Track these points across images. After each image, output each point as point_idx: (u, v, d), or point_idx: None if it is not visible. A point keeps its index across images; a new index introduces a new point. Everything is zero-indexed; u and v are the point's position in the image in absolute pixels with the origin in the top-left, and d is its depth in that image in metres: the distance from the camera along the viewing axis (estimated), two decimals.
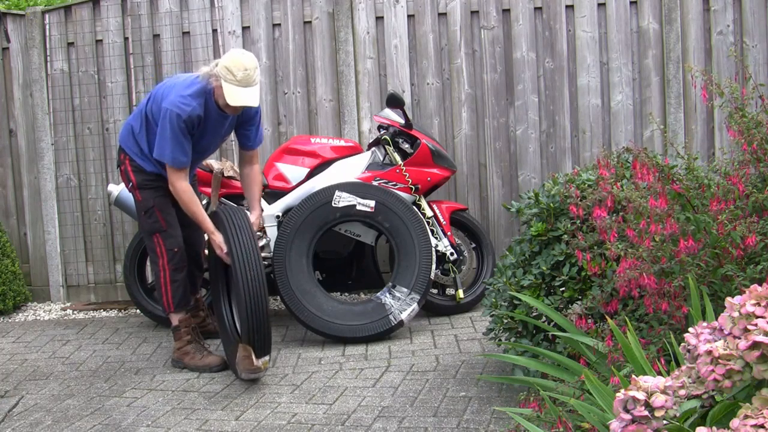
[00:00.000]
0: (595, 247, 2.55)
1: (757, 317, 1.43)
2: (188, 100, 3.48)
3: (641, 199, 2.23)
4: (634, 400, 1.41)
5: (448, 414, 2.92)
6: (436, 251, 4.20)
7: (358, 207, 4.01)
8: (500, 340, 3.14)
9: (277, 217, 4.33)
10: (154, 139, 3.58)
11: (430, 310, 4.34)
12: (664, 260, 2.20)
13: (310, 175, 4.40)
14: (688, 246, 2.16)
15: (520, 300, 2.92)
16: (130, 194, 3.94)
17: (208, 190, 4.33)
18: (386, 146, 4.33)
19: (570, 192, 2.82)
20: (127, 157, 3.72)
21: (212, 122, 3.61)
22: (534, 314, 2.94)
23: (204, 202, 4.23)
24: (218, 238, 3.53)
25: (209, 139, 3.71)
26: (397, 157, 4.30)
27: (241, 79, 3.41)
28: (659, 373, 1.88)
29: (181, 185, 3.57)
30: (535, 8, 4.85)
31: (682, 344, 1.59)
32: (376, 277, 4.56)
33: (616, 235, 2.28)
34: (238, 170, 4.42)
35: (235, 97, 3.43)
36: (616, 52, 4.82)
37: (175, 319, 3.76)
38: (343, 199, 4.01)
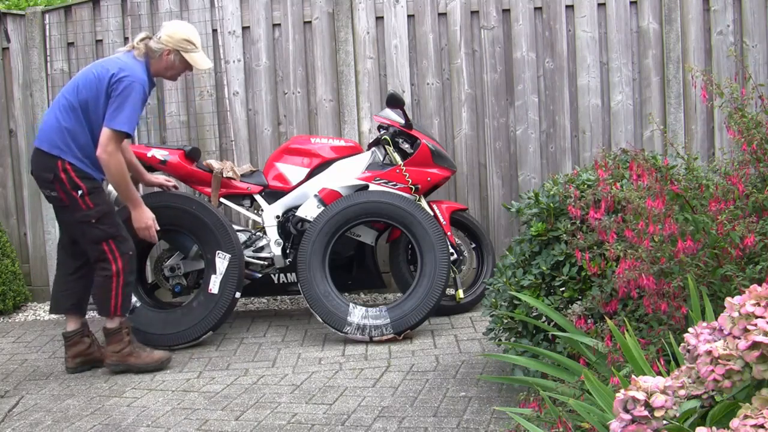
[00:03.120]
0: (595, 247, 2.55)
1: (757, 317, 1.43)
2: (145, 74, 3.60)
3: (639, 200, 2.23)
4: (634, 400, 1.41)
5: (448, 414, 2.92)
6: None
7: None
8: (500, 340, 3.14)
9: (277, 217, 4.33)
10: (95, 132, 3.52)
11: None
12: (664, 261, 2.20)
13: (310, 175, 4.40)
14: (686, 246, 2.16)
15: (520, 300, 2.92)
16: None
17: (208, 190, 4.34)
18: (386, 146, 4.33)
19: (570, 192, 2.82)
20: (66, 163, 3.50)
21: None
22: (534, 314, 2.94)
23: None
24: (149, 213, 3.66)
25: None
26: (397, 157, 4.30)
27: (199, 44, 3.75)
28: (659, 374, 1.88)
29: (118, 155, 3.49)
30: (535, 8, 4.85)
31: (682, 344, 1.59)
32: (376, 277, 4.56)
33: (615, 236, 2.28)
34: (237, 171, 4.43)
35: (204, 60, 3.74)
36: (616, 52, 4.82)
37: (114, 321, 3.66)
38: None
